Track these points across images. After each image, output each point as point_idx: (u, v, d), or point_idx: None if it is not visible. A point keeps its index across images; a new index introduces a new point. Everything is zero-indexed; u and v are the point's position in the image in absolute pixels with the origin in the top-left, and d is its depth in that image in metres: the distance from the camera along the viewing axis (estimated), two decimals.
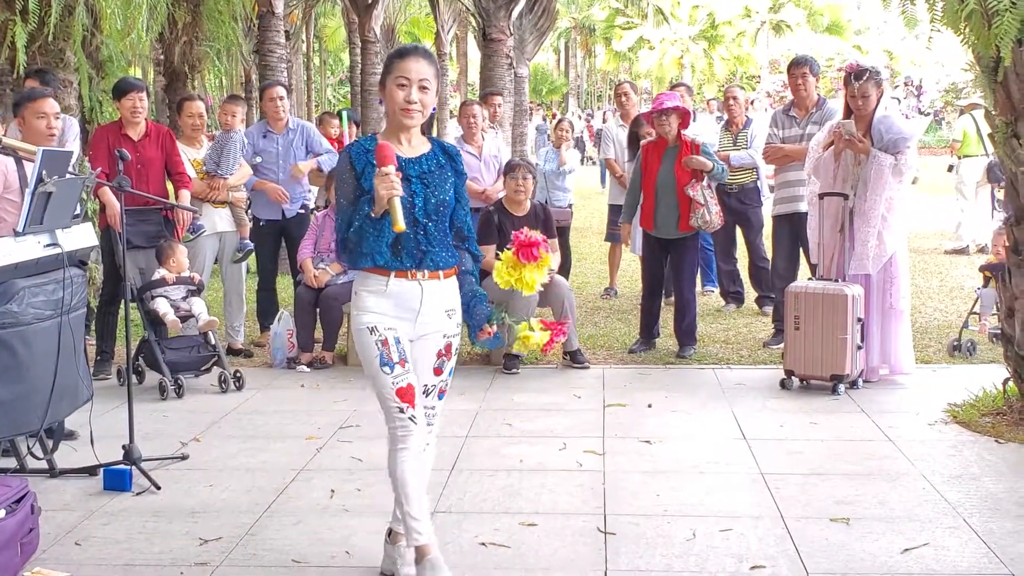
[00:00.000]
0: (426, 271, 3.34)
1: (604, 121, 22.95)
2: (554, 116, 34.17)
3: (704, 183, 6.88)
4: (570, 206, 9.22)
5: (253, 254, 7.49)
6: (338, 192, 3.38)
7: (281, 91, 7.68)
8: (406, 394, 3.30)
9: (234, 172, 7.13)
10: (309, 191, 7.83)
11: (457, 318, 3.47)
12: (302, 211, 7.60)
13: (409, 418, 3.31)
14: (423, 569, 3.30)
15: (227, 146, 7.08)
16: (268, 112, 7.65)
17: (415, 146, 3.41)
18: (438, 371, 3.45)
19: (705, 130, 8.59)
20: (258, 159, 7.49)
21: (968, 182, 12.20)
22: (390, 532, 3.59)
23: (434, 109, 3.41)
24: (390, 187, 3.16)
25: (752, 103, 15.38)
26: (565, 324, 5.97)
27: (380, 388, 3.33)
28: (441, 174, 3.39)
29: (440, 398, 3.51)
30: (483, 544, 3.82)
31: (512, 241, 6.35)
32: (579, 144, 24.65)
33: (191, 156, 7.11)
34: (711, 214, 6.86)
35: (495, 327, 3.56)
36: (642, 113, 7.92)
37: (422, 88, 3.28)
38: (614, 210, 8.94)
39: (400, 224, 3.17)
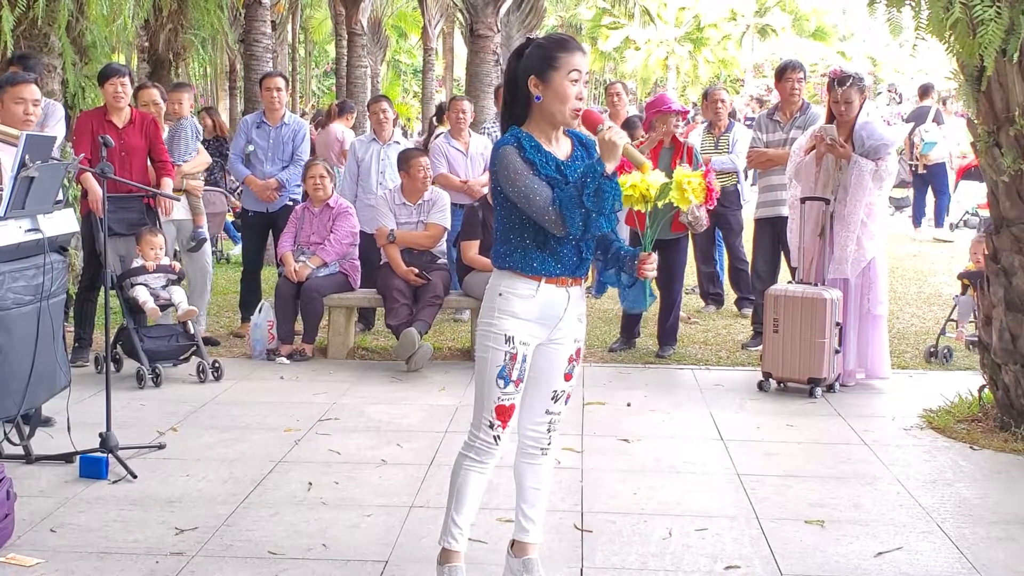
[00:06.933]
0: (572, 278, 3.21)
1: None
2: None
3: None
4: None
5: (239, 246, 7.46)
6: (516, 184, 3.06)
7: (280, 82, 7.66)
8: (504, 413, 3.21)
9: (188, 159, 7.13)
10: (299, 184, 7.81)
11: (585, 321, 3.37)
12: (290, 203, 7.58)
13: (495, 437, 3.23)
14: (442, 571, 3.30)
15: (178, 134, 7.13)
16: (265, 101, 7.64)
17: (562, 145, 3.21)
18: (568, 376, 3.33)
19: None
20: (251, 148, 7.48)
21: None
22: (512, 543, 3.47)
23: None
24: (623, 134, 3.02)
25: (745, 102, 15.38)
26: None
27: (484, 396, 3.21)
28: None
29: (566, 403, 3.40)
30: None
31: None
32: None
33: None
34: (700, 210, 6.83)
35: (652, 254, 3.21)
36: (650, 112, 7.52)
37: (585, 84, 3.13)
38: None
39: (646, 163, 3.13)
